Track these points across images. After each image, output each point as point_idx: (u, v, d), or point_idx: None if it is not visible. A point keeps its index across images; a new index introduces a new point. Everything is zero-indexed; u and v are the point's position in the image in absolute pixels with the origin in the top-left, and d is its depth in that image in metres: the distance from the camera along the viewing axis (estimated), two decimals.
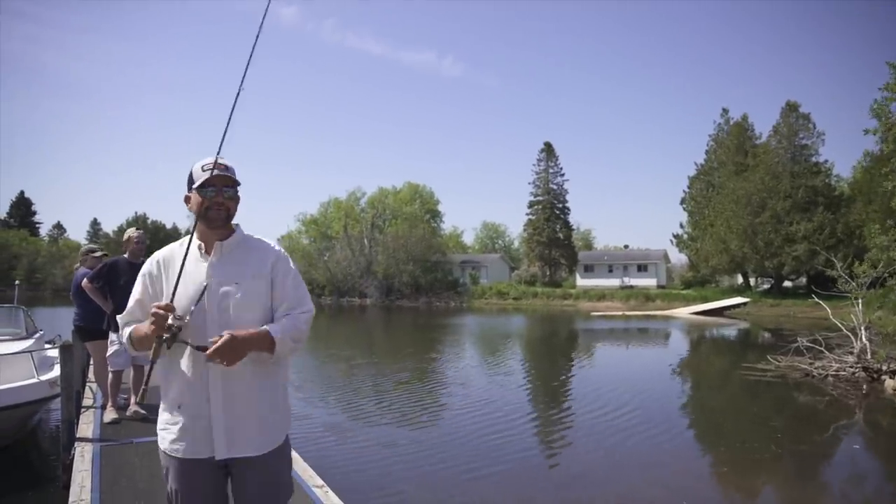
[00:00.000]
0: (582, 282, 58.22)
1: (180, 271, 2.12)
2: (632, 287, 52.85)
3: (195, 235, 2.24)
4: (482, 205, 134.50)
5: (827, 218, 38.94)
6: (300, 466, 4.84)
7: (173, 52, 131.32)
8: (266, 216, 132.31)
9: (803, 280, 44.01)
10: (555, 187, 59.31)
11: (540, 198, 59.23)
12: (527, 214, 60.14)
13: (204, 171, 2.19)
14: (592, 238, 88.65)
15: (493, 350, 21.25)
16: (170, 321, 1.99)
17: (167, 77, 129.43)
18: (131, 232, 6.36)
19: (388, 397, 11.62)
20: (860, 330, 14.45)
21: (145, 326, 2.07)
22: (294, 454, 5.16)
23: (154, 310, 2.00)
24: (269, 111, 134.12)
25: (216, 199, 2.17)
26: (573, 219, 62.51)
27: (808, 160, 42.10)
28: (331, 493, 4.36)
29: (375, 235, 60.65)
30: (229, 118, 2.28)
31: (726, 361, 18.69)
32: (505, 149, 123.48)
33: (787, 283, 45.28)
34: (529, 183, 60.43)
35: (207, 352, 1.99)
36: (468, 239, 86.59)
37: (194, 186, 2.19)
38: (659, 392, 12.63)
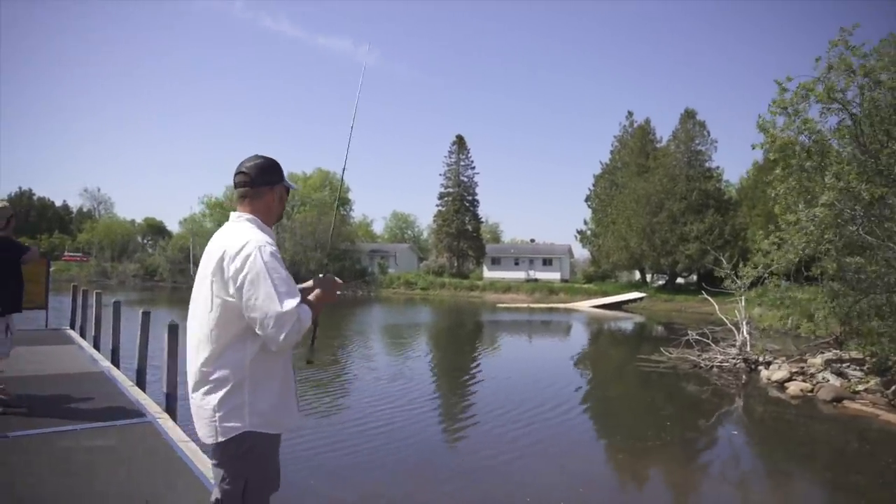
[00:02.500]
0: (489, 274, 59.22)
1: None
2: (537, 280, 54.25)
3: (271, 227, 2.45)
4: (392, 194, 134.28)
5: (717, 220, 41.42)
6: (198, 458, 4.64)
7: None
8: (169, 197, 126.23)
9: (694, 277, 46.71)
10: (465, 180, 59.88)
11: (450, 190, 59.61)
12: (437, 206, 60.42)
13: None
14: (500, 231, 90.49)
15: (399, 341, 21.24)
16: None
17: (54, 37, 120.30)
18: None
19: None
20: (742, 325, 15.57)
21: (324, 299, 2.40)
22: (191, 445, 4.97)
23: (340, 283, 2.51)
24: (175, 88, 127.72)
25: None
26: (482, 212, 63.51)
27: (702, 165, 44.56)
28: None
29: (283, 221, 59.05)
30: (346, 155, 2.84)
31: (623, 353, 19.59)
32: (417, 139, 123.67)
33: (680, 280, 47.86)
34: (440, 175, 60.71)
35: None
36: (378, 228, 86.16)
37: (286, 183, 2.49)
38: (559, 383, 13.06)
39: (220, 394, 2.20)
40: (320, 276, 2.49)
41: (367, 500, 6.04)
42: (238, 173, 2.43)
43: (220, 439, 2.22)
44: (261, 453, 2.28)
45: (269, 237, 2.32)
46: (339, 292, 2.52)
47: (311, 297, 2.38)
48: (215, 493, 2.33)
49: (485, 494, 6.35)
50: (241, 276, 2.16)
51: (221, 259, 2.23)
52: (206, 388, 2.23)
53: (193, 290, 2.41)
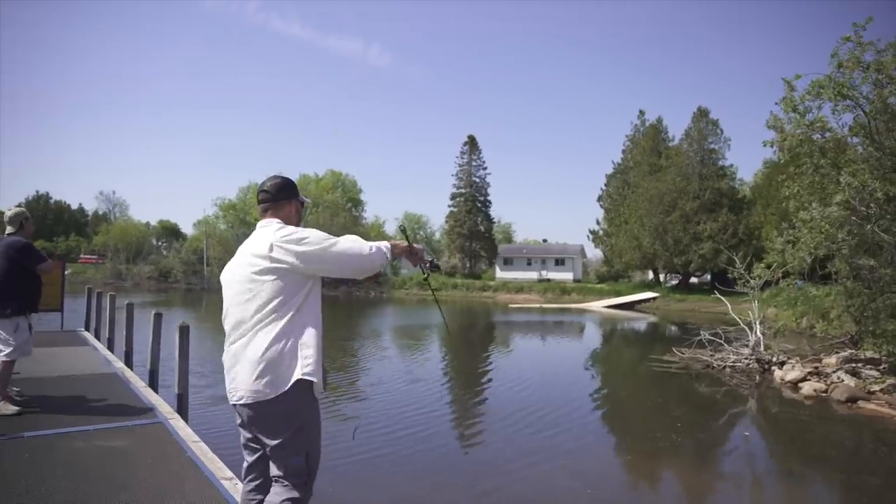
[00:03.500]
0: (501, 274, 59.18)
1: None
2: (549, 280, 54.16)
3: None
4: (404, 195, 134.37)
5: (730, 219, 41.12)
6: (208, 457, 4.68)
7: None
8: (182, 200, 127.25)
9: (708, 277, 46.40)
10: (477, 180, 59.88)
11: (462, 190, 59.64)
12: (449, 206, 60.52)
13: None
14: (512, 231, 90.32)
15: (412, 342, 21.28)
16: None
17: (69, 42, 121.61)
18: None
19: None
20: (755, 325, 15.43)
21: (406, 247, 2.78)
22: (202, 445, 5.01)
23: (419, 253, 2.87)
24: (189, 92, 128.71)
25: None
26: (494, 212, 63.44)
27: (716, 164, 44.28)
28: (241, 485, 4.22)
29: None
30: None
31: (635, 353, 19.49)
32: (429, 140, 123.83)
33: (693, 280, 47.60)
34: (452, 175, 60.81)
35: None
36: (390, 229, 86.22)
37: (301, 198, 2.93)
38: (571, 384, 13.03)
39: (265, 355, 2.46)
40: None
41: None
42: (261, 191, 2.85)
43: (274, 393, 2.45)
44: (314, 421, 2.59)
45: None
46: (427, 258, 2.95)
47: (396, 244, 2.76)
48: (273, 470, 2.58)
49: (493, 496, 6.34)
50: (303, 245, 2.50)
51: (270, 248, 2.51)
52: (256, 353, 2.48)
53: (229, 282, 2.69)
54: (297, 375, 2.46)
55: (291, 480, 2.52)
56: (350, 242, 2.53)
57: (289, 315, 2.49)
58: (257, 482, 2.73)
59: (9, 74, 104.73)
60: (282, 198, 2.81)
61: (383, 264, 2.60)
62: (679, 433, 9.04)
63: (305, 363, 2.48)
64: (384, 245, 2.62)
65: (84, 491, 3.91)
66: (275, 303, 2.48)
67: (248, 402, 2.50)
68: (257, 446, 2.67)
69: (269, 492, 2.60)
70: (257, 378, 2.45)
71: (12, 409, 5.59)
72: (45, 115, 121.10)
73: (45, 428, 5.19)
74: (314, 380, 2.49)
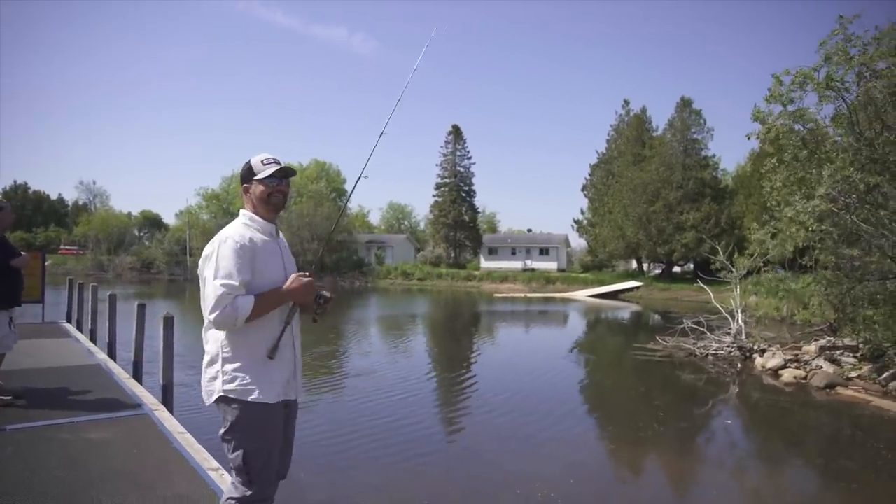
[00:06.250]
0: (486, 264, 59.28)
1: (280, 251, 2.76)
2: (534, 270, 54.30)
3: (263, 220, 2.70)
4: (389, 185, 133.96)
5: (713, 209, 41.48)
6: (194, 448, 4.68)
7: None
8: (166, 190, 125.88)
9: (691, 266, 46.83)
10: (462, 170, 59.79)
11: (447, 180, 59.53)
12: (433, 196, 60.35)
13: (265, 164, 2.67)
14: (497, 221, 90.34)
15: (397, 332, 21.30)
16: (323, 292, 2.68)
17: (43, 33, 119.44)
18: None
19: None
20: (737, 313, 15.64)
21: (284, 296, 2.56)
22: (188, 436, 5.00)
23: (306, 281, 2.60)
24: (170, 80, 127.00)
25: (279, 187, 2.69)
26: (479, 202, 63.35)
27: (699, 154, 44.56)
28: (227, 476, 4.23)
29: (280, 214, 58.79)
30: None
31: (619, 342, 19.67)
32: (413, 130, 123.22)
33: (676, 269, 47.99)
34: (437, 165, 60.63)
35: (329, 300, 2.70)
36: (374, 219, 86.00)
37: (258, 177, 2.66)
38: (555, 373, 13.13)
39: (205, 364, 2.60)
40: (306, 273, 2.72)
41: (360, 492, 6.07)
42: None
43: (208, 402, 2.59)
44: (249, 423, 2.54)
45: (245, 231, 2.62)
46: (327, 293, 2.76)
47: (283, 286, 2.61)
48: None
49: (475, 485, 6.39)
50: (203, 263, 2.55)
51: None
52: (204, 359, 2.62)
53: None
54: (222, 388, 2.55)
55: (237, 477, 2.58)
56: (214, 297, 2.41)
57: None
58: None
59: None
60: (244, 183, 2.77)
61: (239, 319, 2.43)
62: (662, 421, 9.16)
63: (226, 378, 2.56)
64: (246, 305, 2.44)
65: (70, 483, 3.90)
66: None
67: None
68: None
69: None
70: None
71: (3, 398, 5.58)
72: (24, 105, 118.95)
73: (28, 421, 5.15)
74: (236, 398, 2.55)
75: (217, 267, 2.46)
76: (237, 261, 2.47)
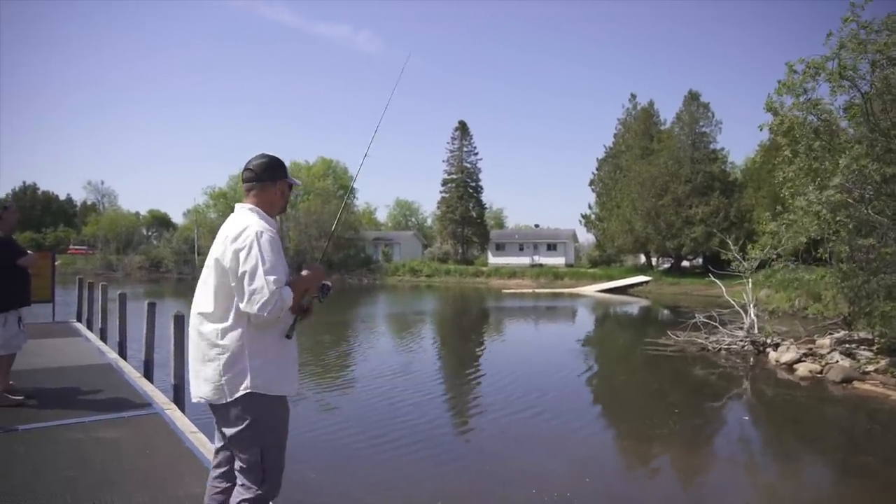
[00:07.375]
0: (493, 260, 59.12)
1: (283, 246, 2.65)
2: (541, 265, 54.13)
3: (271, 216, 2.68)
4: (396, 181, 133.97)
5: (722, 202, 41.16)
6: (206, 448, 4.61)
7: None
8: (173, 189, 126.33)
9: (700, 260, 46.51)
10: (468, 166, 59.62)
11: (454, 176, 59.39)
12: (440, 192, 60.23)
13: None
14: (504, 217, 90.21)
15: (406, 329, 21.25)
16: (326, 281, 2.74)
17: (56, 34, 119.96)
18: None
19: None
20: (749, 307, 15.48)
21: (305, 283, 2.60)
22: (200, 435, 4.95)
23: (321, 268, 2.74)
24: (176, 80, 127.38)
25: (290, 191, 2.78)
26: (486, 197, 63.25)
27: (707, 147, 44.20)
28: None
29: (287, 211, 59.02)
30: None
31: (629, 338, 19.53)
32: (420, 126, 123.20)
33: (685, 263, 47.65)
34: (443, 161, 60.47)
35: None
36: (381, 216, 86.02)
37: (289, 180, 2.72)
38: (565, 369, 13.04)
39: (225, 360, 2.46)
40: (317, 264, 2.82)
41: (372, 492, 6.01)
42: (245, 170, 2.69)
43: (229, 399, 2.48)
44: (272, 418, 2.54)
45: (268, 225, 2.56)
46: (326, 283, 2.76)
47: (293, 278, 2.58)
48: (220, 457, 2.69)
49: (489, 484, 6.32)
50: (239, 255, 2.42)
51: (224, 243, 2.49)
52: (209, 356, 2.49)
53: (202, 273, 2.63)
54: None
55: (248, 477, 2.51)
56: (268, 291, 2.37)
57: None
58: (223, 469, 2.73)
59: None
60: (266, 178, 2.66)
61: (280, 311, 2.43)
62: (676, 417, 9.06)
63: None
64: (288, 296, 2.45)
65: (82, 482, 3.86)
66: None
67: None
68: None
69: (233, 480, 2.62)
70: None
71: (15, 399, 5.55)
72: (33, 105, 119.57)
73: (39, 420, 5.12)
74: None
75: (263, 260, 2.40)
76: (278, 254, 2.47)
